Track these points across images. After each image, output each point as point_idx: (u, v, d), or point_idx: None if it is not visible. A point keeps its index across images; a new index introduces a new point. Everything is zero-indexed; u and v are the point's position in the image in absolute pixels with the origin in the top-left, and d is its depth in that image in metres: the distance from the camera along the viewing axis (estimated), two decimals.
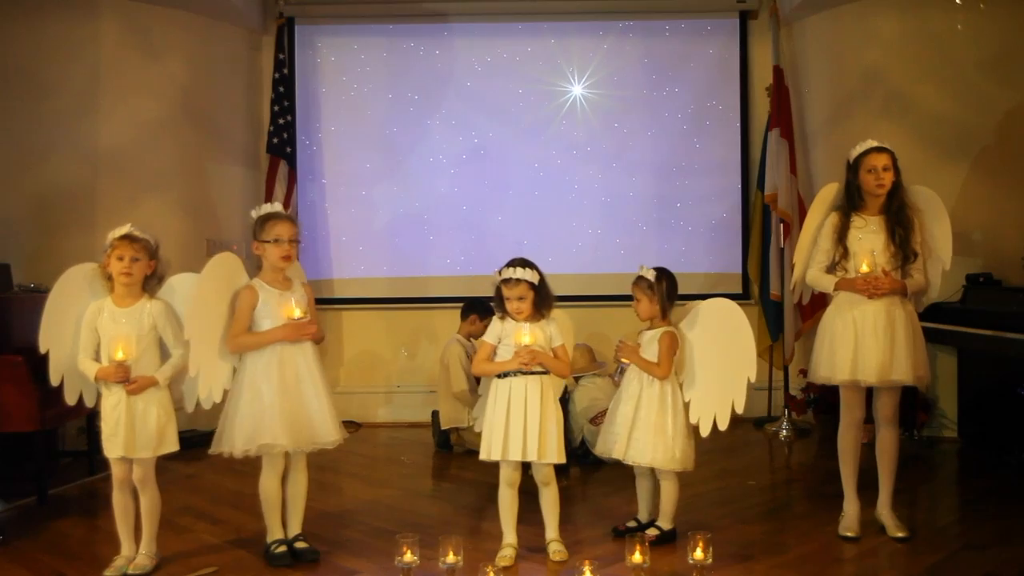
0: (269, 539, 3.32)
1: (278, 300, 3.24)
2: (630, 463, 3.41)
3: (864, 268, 3.38)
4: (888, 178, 3.43)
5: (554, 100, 6.14)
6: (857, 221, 3.47)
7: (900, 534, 3.45)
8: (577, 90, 6.14)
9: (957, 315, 4.85)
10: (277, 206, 3.41)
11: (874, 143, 3.49)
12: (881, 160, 3.43)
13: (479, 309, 5.14)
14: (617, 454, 3.40)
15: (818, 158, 5.90)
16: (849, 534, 3.49)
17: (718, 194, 6.17)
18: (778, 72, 5.78)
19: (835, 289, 3.49)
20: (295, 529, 3.36)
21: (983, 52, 5.18)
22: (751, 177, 6.11)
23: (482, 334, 5.13)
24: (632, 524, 3.53)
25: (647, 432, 3.34)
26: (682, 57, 6.16)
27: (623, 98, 6.14)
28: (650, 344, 3.42)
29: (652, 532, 3.40)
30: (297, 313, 3.21)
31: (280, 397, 3.17)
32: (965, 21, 5.22)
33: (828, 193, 3.65)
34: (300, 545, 3.34)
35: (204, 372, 3.19)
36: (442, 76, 6.15)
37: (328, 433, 3.25)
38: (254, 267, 3.40)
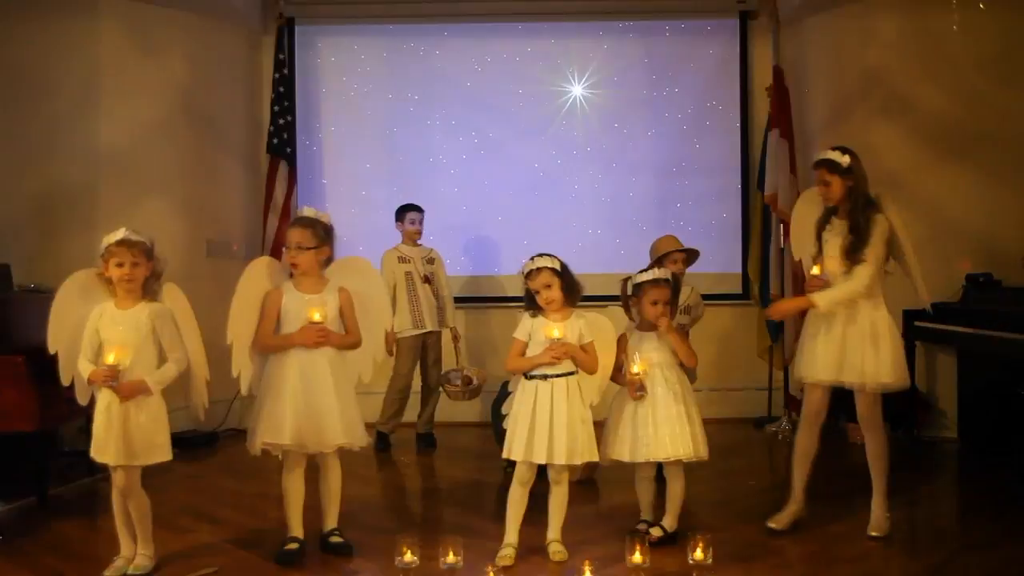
0: (287, 535, 3.35)
1: (301, 303, 3.28)
2: (658, 460, 3.34)
3: (815, 270, 3.45)
4: (828, 192, 3.44)
5: (554, 100, 6.15)
6: (833, 221, 3.50)
7: (874, 532, 3.45)
8: (577, 90, 6.14)
9: (957, 315, 4.85)
10: (306, 210, 3.43)
11: (819, 155, 3.48)
12: (821, 175, 3.46)
13: None
14: (652, 456, 3.31)
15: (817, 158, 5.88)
16: (771, 525, 3.50)
17: (718, 194, 6.17)
18: (778, 72, 5.78)
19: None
20: (330, 524, 3.41)
21: (983, 52, 5.19)
22: (751, 177, 6.11)
23: None
24: (642, 528, 3.48)
25: (670, 425, 3.29)
26: (682, 57, 6.16)
27: (623, 98, 6.14)
28: (662, 340, 3.39)
29: (656, 532, 3.38)
30: (316, 317, 3.23)
31: (288, 398, 3.21)
32: (964, 21, 5.23)
33: (808, 197, 3.69)
34: (334, 539, 3.38)
35: (244, 373, 3.29)
36: (442, 76, 6.15)
37: (334, 435, 3.25)
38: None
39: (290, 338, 3.26)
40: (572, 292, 3.25)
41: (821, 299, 3.35)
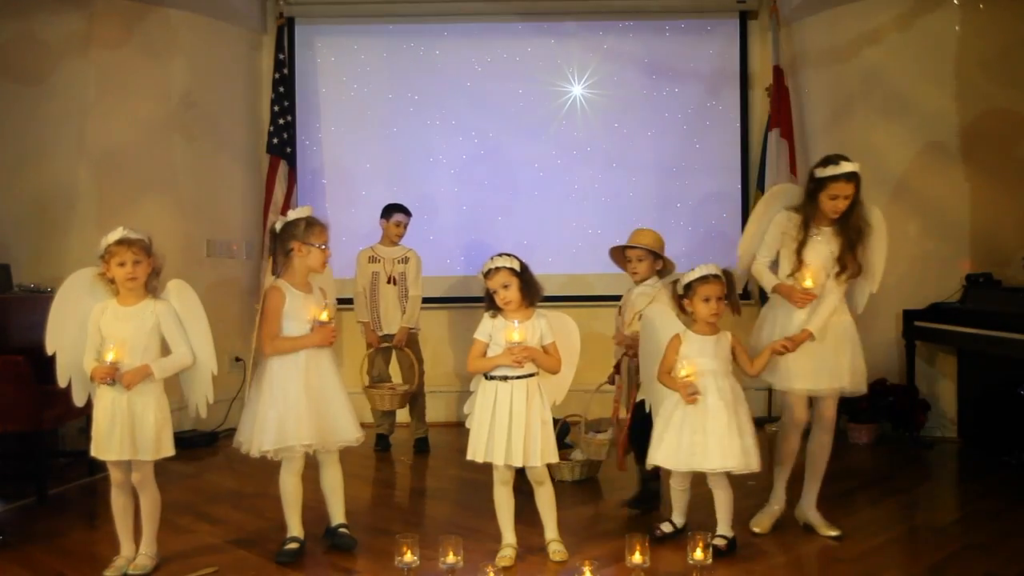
0: (287, 535, 3.35)
1: (303, 302, 3.30)
2: (705, 471, 3.27)
3: (808, 283, 3.37)
4: (847, 205, 3.38)
5: (554, 100, 6.14)
6: (812, 230, 3.44)
7: (832, 532, 3.46)
8: (577, 90, 6.14)
9: (957, 315, 4.85)
10: (310, 210, 3.47)
11: (846, 168, 3.37)
12: (846, 189, 3.36)
13: None
14: (699, 466, 3.24)
15: (818, 158, 5.87)
16: (756, 529, 3.52)
17: (718, 194, 6.16)
18: (778, 72, 5.78)
19: (773, 291, 3.53)
20: (338, 519, 3.45)
21: (983, 52, 5.18)
22: (751, 177, 6.10)
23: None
24: (668, 529, 3.46)
25: (719, 436, 3.20)
26: (682, 57, 6.15)
27: (623, 98, 6.13)
28: (719, 347, 3.33)
29: (720, 541, 3.29)
30: (324, 316, 3.27)
31: (305, 398, 3.22)
32: (965, 21, 5.22)
33: (781, 192, 3.67)
34: (342, 531, 3.42)
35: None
36: (442, 76, 6.15)
37: (351, 431, 3.32)
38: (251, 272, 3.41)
39: (306, 339, 3.27)
40: (531, 293, 3.21)
41: (815, 329, 3.35)
